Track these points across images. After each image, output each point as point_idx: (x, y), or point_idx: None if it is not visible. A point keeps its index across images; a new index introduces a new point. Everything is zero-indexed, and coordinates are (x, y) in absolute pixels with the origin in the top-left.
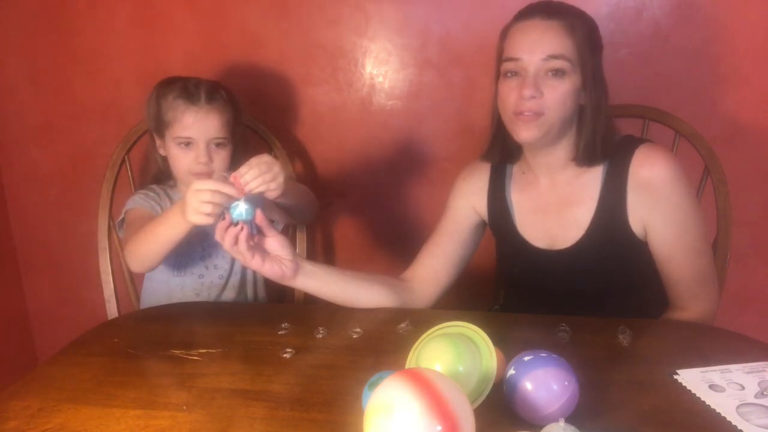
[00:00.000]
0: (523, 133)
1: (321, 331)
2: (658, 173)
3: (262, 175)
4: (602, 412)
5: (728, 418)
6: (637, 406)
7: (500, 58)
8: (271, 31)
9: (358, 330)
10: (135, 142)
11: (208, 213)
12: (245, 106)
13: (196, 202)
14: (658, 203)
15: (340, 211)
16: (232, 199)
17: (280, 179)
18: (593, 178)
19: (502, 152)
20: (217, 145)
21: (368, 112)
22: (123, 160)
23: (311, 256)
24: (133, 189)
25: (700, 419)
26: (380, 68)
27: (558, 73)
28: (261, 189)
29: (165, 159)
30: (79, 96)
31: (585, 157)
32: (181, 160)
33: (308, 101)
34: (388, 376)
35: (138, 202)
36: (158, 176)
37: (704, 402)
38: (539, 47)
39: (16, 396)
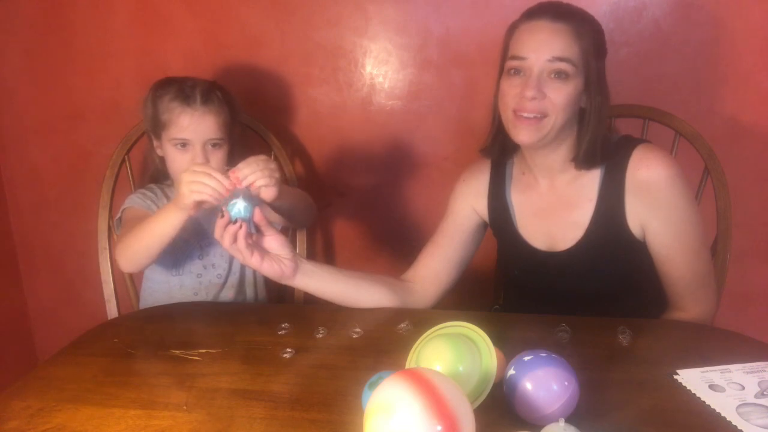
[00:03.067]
0: (522, 135)
1: (321, 331)
2: (655, 174)
3: (259, 170)
4: (602, 412)
5: (728, 418)
6: (637, 406)
7: (505, 54)
8: (271, 31)
9: (358, 330)
10: (135, 142)
11: (199, 190)
12: (245, 106)
13: (191, 180)
14: (656, 204)
15: (340, 212)
16: (226, 190)
17: (276, 176)
18: (591, 179)
19: (501, 149)
20: (214, 145)
21: (368, 113)
22: (123, 160)
23: (311, 256)
24: (132, 189)
25: (700, 419)
26: (380, 68)
27: (561, 75)
28: (257, 183)
29: (162, 159)
30: (79, 96)
31: (585, 160)
32: (178, 162)
33: (308, 101)
34: (388, 376)
35: (135, 202)
36: (156, 176)
37: (704, 402)
38: (546, 48)
39: (17, 396)
